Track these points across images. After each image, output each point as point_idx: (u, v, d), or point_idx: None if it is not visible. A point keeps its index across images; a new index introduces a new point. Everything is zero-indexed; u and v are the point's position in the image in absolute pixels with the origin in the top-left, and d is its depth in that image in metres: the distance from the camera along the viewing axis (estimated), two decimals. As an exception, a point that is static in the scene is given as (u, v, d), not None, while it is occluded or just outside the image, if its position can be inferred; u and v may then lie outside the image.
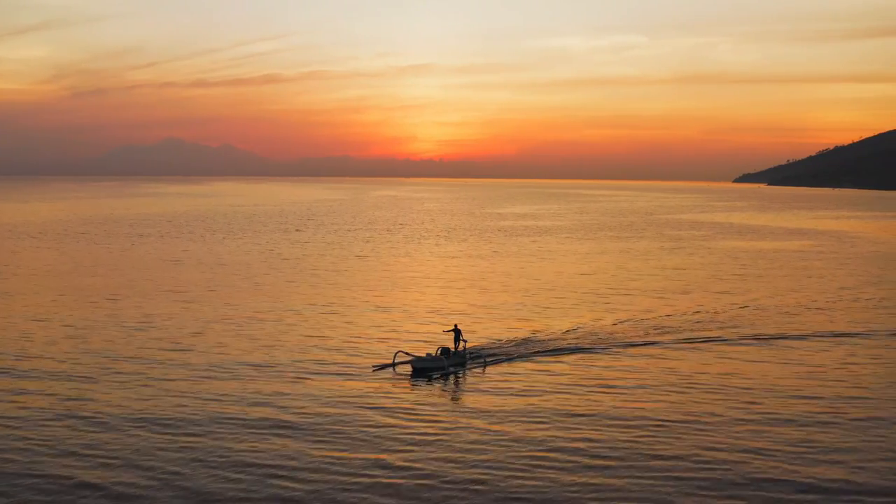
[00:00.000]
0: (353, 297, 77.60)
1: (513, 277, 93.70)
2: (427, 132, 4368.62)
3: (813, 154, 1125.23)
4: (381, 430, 37.56)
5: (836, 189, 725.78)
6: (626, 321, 65.78)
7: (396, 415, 39.96)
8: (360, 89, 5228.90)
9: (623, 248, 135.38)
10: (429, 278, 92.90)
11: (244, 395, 42.83)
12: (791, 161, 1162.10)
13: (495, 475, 32.14)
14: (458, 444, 35.67)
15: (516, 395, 43.51)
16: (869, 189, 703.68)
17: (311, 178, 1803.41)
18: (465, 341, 51.69)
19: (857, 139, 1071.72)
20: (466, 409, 41.31)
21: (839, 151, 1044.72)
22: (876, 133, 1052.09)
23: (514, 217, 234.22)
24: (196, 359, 50.99)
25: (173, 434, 36.51)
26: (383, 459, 33.79)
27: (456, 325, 52.70)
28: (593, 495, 30.50)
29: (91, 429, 37.21)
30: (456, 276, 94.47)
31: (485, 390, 44.82)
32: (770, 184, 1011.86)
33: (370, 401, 42.23)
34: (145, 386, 44.51)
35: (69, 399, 42.15)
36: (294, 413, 39.94)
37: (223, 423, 38.24)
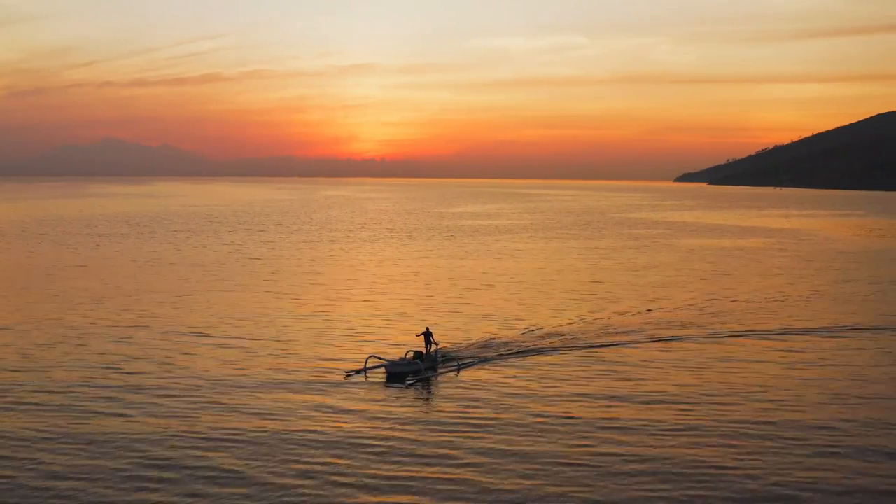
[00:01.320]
0: (324, 298, 76.32)
1: (485, 277, 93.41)
2: (369, 132, 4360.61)
3: (752, 153, 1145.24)
4: (355, 441, 35.87)
5: (778, 188, 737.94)
6: (603, 320, 65.61)
7: (370, 424, 38.26)
8: (301, 89, 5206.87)
9: (588, 246, 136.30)
10: (400, 279, 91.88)
11: (211, 407, 40.59)
12: (731, 160, 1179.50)
13: (475, 485, 31.17)
14: (438, 455, 34.31)
15: (491, 403, 41.74)
16: (808, 188, 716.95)
17: (252, 177, 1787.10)
18: (436, 344, 50.40)
19: (795, 139, 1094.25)
20: (443, 417, 39.69)
21: (778, 151, 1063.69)
22: (814, 133, 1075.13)
23: (469, 216, 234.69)
24: (167, 369, 48.17)
25: (143, 450, 34.36)
26: (359, 474, 32.15)
27: (427, 329, 51.16)
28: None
29: (58, 447, 35.14)
30: (427, 277, 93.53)
31: (459, 396, 43.25)
32: (711, 183, 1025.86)
33: (342, 410, 40.43)
34: (120, 400, 41.82)
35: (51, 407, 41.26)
36: (263, 423, 38.22)
37: (188, 438, 36.04)
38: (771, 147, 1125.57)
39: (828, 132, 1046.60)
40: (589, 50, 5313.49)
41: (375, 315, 67.77)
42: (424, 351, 49.13)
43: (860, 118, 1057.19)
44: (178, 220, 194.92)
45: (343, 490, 30.66)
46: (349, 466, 32.84)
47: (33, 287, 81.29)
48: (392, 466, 32.89)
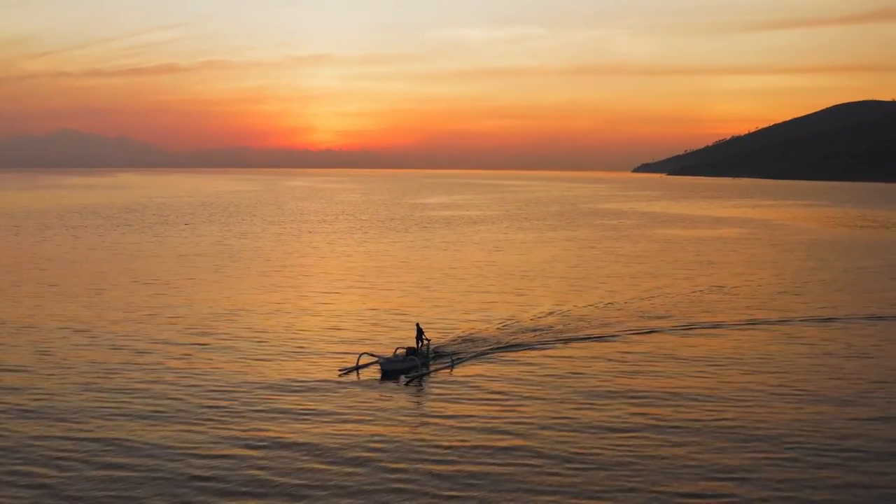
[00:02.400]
0: (314, 292, 74.53)
1: (472, 268, 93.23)
2: (326, 122, 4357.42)
3: (710, 144, 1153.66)
4: (355, 442, 34.33)
5: (736, 179, 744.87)
6: (597, 311, 65.16)
7: (369, 424, 36.74)
8: (259, 79, 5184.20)
9: (568, 237, 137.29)
10: (387, 271, 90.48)
11: (200, 411, 38.29)
12: (689, 151, 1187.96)
13: (478, 484, 30.23)
14: (438, 455, 33.06)
15: (487, 400, 40.68)
16: (766, 178, 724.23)
17: (210, 168, 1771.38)
18: (427, 340, 48.84)
19: (752, 129, 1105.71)
20: (440, 415, 38.28)
21: (735, 142, 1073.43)
22: (771, 124, 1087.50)
23: (440, 207, 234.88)
24: (160, 371, 45.63)
25: (133, 458, 32.33)
26: (359, 476, 30.93)
27: (417, 324, 49.87)
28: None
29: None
30: (414, 270, 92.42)
31: (455, 393, 41.89)
32: (669, 173, 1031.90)
33: (339, 411, 38.60)
34: (111, 401, 39.79)
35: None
36: (258, 426, 36.36)
37: (180, 441, 34.25)
38: (728, 138, 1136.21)
39: (784, 123, 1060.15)
40: (547, 41, 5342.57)
41: (364, 310, 65.81)
42: (416, 347, 47.69)
43: (816, 109, 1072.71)
44: (149, 212, 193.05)
45: (345, 494, 29.50)
46: (350, 470, 31.47)
47: (26, 281, 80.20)
48: (393, 468, 31.71)
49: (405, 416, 38.31)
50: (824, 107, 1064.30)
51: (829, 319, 62.83)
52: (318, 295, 73.46)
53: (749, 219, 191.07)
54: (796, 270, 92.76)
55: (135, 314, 62.77)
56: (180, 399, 40.57)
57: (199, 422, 36.99)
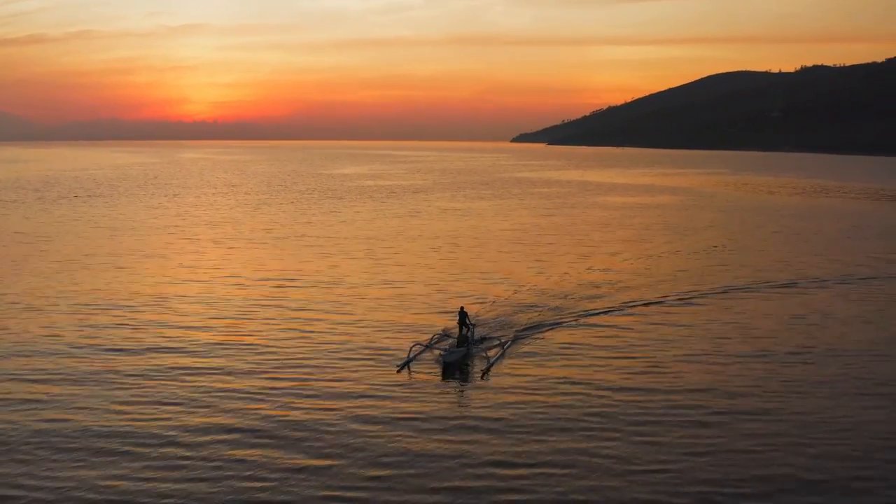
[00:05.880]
0: (326, 272, 68.19)
1: (469, 238, 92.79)
2: (200, 94, 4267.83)
3: (587, 114, 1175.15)
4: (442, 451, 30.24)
5: (620, 148, 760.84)
6: (623, 280, 64.46)
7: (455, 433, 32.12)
8: (130, 50, 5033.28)
9: (523, 205, 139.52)
10: (388, 244, 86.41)
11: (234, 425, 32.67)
12: (566, 121, 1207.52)
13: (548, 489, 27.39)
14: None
15: (564, 391, 37.09)
16: (646, 147, 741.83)
17: (84, 141, 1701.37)
18: (471, 325, 44.57)
19: (629, 100, 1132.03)
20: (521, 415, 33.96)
21: (612, 112, 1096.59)
22: (646, 94, 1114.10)
23: (361, 177, 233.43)
24: (180, 377, 38.78)
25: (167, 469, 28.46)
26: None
27: (462, 308, 44.83)
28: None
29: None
30: (412, 239, 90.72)
31: (528, 383, 38.04)
32: (550, 143, 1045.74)
33: (407, 413, 34.09)
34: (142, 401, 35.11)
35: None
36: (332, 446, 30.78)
37: (220, 458, 29.68)
38: (605, 108, 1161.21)
39: (660, 93, 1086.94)
40: (423, 10, 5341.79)
41: (385, 289, 60.65)
42: (462, 333, 43.30)
43: (691, 80, 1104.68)
44: (74, 185, 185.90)
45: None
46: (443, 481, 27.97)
47: (25, 258, 77.70)
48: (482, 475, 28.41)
49: (490, 417, 33.81)
50: (699, 77, 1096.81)
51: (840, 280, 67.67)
52: (331, 275, 66.77)
53: (675, 187, 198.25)
54: (767, 235, 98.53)
55: (143, 294, 60.74)
56: (214, 408, 34.83)
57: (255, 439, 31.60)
